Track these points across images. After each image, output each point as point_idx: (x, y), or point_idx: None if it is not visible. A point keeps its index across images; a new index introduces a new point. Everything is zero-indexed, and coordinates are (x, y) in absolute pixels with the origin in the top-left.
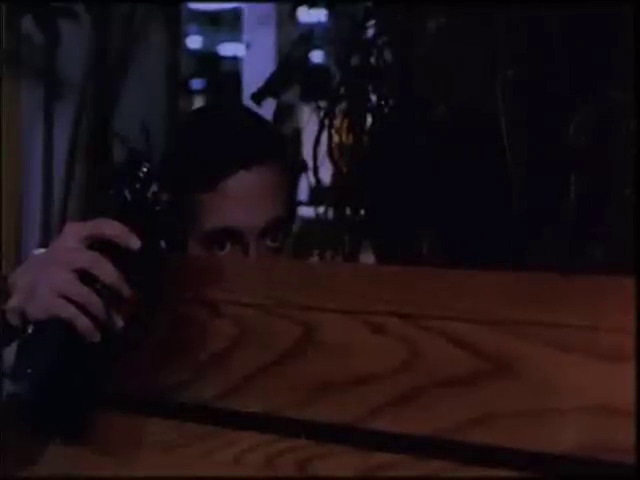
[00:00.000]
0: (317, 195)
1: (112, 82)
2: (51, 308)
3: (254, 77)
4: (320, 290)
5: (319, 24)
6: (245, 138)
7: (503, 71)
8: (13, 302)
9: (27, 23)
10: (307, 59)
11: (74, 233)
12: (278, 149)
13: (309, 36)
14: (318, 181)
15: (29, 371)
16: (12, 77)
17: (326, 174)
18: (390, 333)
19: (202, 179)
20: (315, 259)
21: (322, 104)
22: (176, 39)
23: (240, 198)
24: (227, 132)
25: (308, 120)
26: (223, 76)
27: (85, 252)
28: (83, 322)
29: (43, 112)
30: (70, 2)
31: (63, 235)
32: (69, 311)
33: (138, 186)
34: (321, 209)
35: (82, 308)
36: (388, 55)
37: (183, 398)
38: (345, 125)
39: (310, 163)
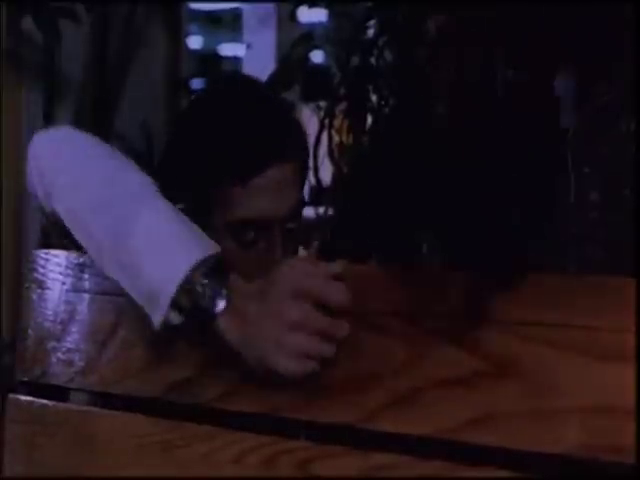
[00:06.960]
0: (317, 195)
1: (112, 82)
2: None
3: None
4: None
5: (319, 24)
6: (274, 137)
7: (503, 71)
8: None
9: (27, 23)
10: (307, 59)
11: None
12: (303, 146)
13: (309, 36)
14: (318, 181)
15: None
16: (12, 77)
17: (326, 174)
18: (390, 333)
19: (234, 176)
20: None
21: (322, 104)
22: (176, 39)
23: (268, 192)
24: (257, 130)
25: (308, 120)
26: None
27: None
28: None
29: (43, 112)
30: (70, 2)
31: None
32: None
33: None
34: (321, 209)
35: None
36: (388, 55)
37: (183, 398)
38: (345, 125)
39: (310, 163)
